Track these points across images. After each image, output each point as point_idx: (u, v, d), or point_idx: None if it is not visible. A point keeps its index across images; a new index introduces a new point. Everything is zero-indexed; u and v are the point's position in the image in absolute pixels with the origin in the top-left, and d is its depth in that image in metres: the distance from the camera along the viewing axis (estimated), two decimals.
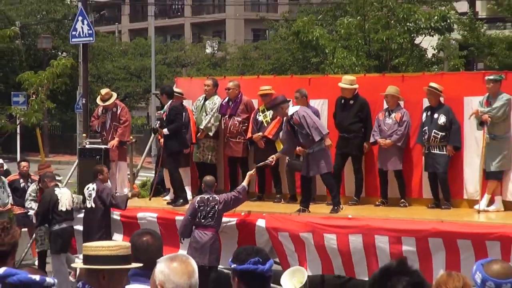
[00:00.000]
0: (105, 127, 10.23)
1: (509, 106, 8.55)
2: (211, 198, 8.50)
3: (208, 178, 8.82)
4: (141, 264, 3.44)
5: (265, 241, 8.54)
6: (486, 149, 8.55)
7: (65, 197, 9.28)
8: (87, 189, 9.22)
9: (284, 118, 9.02)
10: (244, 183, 8.73)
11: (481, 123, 8.60)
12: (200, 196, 8.66)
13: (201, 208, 8.47)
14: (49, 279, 3.03)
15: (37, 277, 2.97)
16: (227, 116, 10.01)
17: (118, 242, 3.57)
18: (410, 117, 9.24)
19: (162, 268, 2.91)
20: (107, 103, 10.16)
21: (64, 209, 9.22)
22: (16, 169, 11.55)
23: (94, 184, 9.20)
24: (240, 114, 9.97)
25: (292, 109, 8.78)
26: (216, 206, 8.46)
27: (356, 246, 8.15)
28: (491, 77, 8.64)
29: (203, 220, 8.43)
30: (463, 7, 21.47)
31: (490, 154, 8.57)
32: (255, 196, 10.00)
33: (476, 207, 8.64)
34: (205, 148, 10.12)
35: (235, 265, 3.20)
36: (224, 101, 10.07)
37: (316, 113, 9.52)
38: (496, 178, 8.61)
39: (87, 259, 3.41)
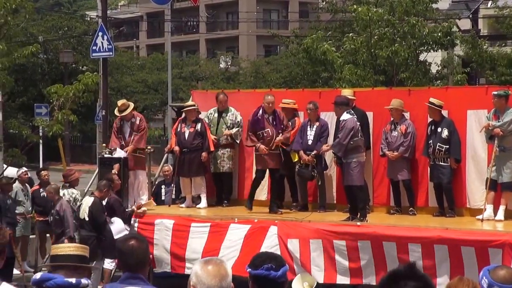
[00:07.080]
0: (125, 137, 10.48)
1: None
2: (120, 200, 9.42)
3: (103, 182, 9.45)
4: (91, 265, 3.66)
5: (275, 247, 8.73)
6: (496, 160, 8.78)
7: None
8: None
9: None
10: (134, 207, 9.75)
11: (490, 137, 8.86)
12: (115, 197, 9.42)
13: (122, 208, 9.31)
14: (84, 281, 3.20)
15: (73, 280, 3.11)
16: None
17: (76, 244, 3.76)
18: (415, 128, 9.52)
19: (196, 270, 3.01)
20: (124, 113, 10.43)
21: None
22: (35, 177, 11.76)
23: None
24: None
25: (346, 115, 9.02)
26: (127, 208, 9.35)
27: (364, 252, 8.41)
28: (496, 92, 8.88)
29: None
30: (466, 24, 21.83)
31: (502, 166, 8.78)
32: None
33: (487, 216, 8.75)
34: (226, 158, 10.45)
35: (250, 269, 3.33)
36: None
37: (326, 126, 9.91)
38: (509, 189, 8.82)
39: (53, 258, 3.63)
